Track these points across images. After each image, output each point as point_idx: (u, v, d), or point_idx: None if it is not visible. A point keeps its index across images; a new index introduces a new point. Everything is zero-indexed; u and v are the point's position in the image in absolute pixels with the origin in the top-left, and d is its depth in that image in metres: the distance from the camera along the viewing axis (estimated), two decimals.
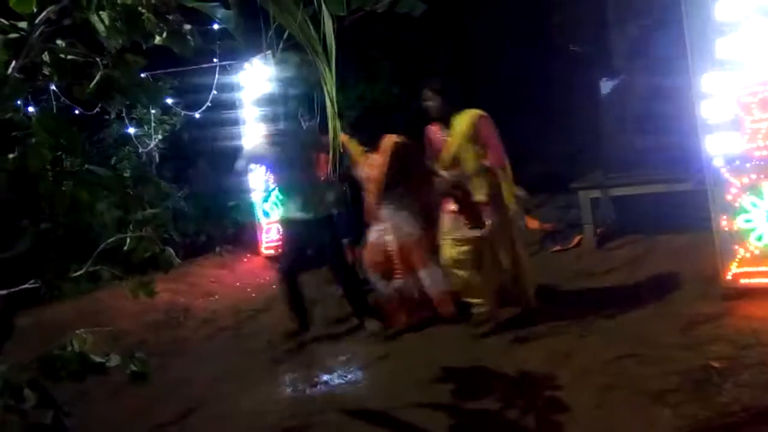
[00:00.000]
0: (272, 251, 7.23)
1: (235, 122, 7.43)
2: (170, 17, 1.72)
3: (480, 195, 3.89)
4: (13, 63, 1.54)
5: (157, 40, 1.71)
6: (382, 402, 3.38)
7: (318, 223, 4.44)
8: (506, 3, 7.98)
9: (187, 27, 1.78)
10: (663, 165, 5.27)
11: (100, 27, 1.59)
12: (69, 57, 1.64)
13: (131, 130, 7.22)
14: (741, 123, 3.55)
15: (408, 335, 4.28)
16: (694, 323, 3.50)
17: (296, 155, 4.45)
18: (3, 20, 1.58)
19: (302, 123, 6.33)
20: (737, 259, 3.68)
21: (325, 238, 4.50)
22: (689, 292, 3.96)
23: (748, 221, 3.62)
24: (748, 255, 3.64)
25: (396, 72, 8.37)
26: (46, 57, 1.63)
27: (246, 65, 6.92)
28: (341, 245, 4.67)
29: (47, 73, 1.64)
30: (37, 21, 1.57)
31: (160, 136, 7.22)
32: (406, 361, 3.90)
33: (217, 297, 6.46)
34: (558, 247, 5.75)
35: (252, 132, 6.90)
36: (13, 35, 1.56)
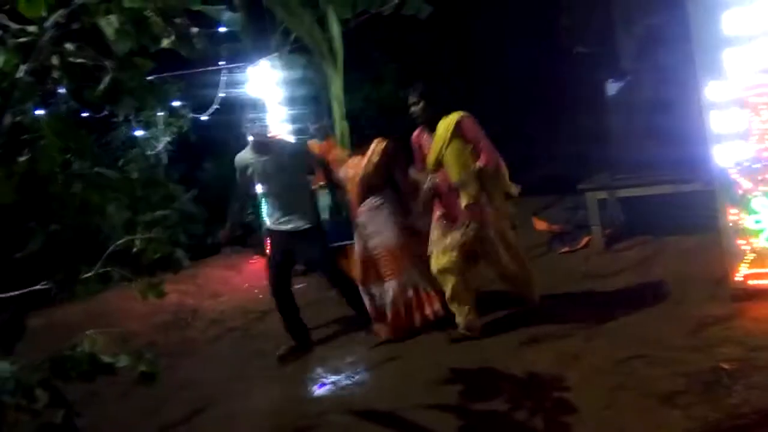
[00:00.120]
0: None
1: (242, 124, 7.44)
2: (177, 21, 1.73)
3: (467, 196, 3.83)
4: (24, 66, 1.56)
5: (165, 43, 1.72)
6: (389, 403, 3.39)
7: (307, 233, 4.34)
8: (512, 5, 7.98)
9: (194, 30, 1.79)
10: (671, 166, 5.25)
11: (109, 31, 1.60)
12: (78, 60, 1.66)
13: (139, 133, 7.28)
14: (749, 124, 3.53)
15: (415, 337, 4.27)
16: (704, 325, 3.48)
17: (283, 163, 4.33)
18: (13, 24, 1.60)
19: (310, 126, 6.35)
20: (746, 261, 3.65)
21: (315, 248, 4.40)
22: (698, 293, 3.93)
23: (757, 222, 3.60)
24: (757, 256, 3.62)
25: (402, 74, 8.39)
26: (55, 60, 1.64)
27: (253, 67, 6.95)
28: (332, 252, 4.59)
29: (57, 76, 1.66)
30: (46, 25, 1.58)
31: (167, 138, 7.26)
32: (413, 363, 3.90)
33: (224, 298, 6.49)
34: (566, 249, 5.74)
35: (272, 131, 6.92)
36: (23, 39, 1.58)
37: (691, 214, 4.67)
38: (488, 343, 3.92)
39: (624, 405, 2.85)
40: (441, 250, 3.94)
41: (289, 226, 4.35)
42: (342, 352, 4.34)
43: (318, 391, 3.85)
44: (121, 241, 1.82)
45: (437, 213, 4.02)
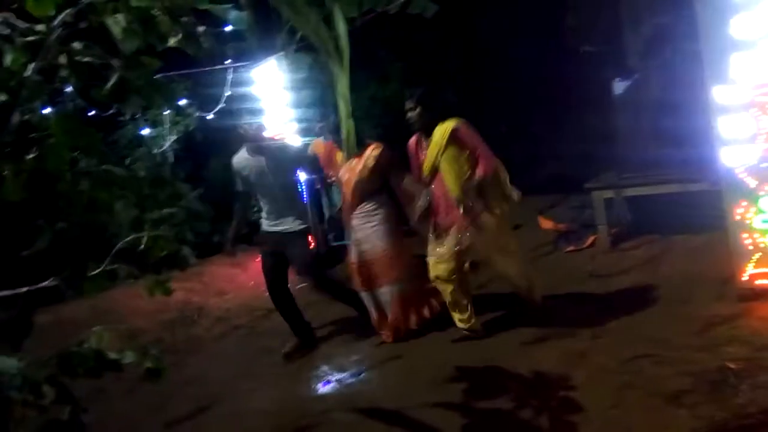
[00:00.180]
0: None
1: (252, 122, 7.45)
2: (184, 19, 1.74)
3: (463, 204, 3.80)
4: (32, 65, 1.57)
5: (172, 42, 1.73)
6: (394, 401, 3.39)
7: (297, 236, 4.37)
8: (518, 3, 7.96)
9: (201, 29, 1.80)
10: (677, 165, 5.23)
11: (116, 29, 1.61)
12: (85, 59, 1.67)
13: (146, 131, 7.30)
14: (756, 123, 3.51)
15: (420, 336, 4.27)
16: (710, 324, 3.47)
17: (277, 164, 4.34)
18: (22, 23, 1.61)
19: (316, 125, 6.35)
20: (753, 260, 3.64)
21: (296, 250, 4.38)
22: (705, 292, 3.92)
23: (764, 222, 3.58)
24: (763, 255, 3.60)
25: (408, 72, 8.38)
26: (63, 59, 1.65)
27: (258, 66, 6.96)
28: (312, 256, 4.53)
29: (64, 75, 1.67)
30: (54, 24, 1.59)
31: (174, 137, 7.28)
32: (418, 361, 3.90)
33: (230, 296, 6.51)
34: (572, 248, 5.72)
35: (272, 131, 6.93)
36: (31, 38, 1.59)
37: (698, 214, 4.65)
38: (493, 341, 3.92)
39: (630, 404, 2.84)
40: (437, 259, 3.94)
41: (281, 228, 4.37)
42: (347, 350, 4.35)
43: (323, 388, 3.86)
44: (128, 239, 1.83)
45: (433, 220, 4.01)
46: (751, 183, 3.57)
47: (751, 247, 3.63)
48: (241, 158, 4.44)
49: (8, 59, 1.58)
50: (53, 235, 1.69)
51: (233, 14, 1.93)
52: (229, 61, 6.30)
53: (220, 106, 6.87)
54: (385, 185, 4.38)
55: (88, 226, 1.75)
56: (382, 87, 8.30)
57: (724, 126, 3.58)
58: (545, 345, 3.69)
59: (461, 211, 3.79)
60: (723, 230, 3.75)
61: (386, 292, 4.26)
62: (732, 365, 2.94)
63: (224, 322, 5.71)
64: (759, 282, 3.64)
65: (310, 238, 4.51)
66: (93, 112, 6.23)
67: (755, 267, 3.64)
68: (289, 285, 4.57)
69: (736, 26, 3.45)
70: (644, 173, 5.56)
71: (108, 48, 1.68)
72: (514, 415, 3.00)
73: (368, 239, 4.27)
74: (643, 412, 2.76)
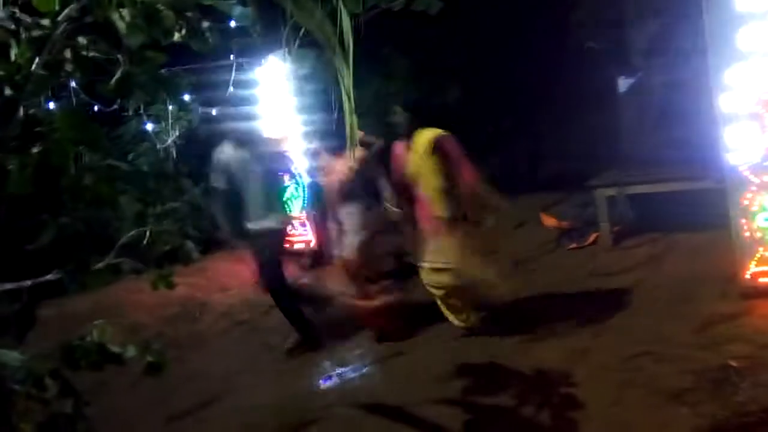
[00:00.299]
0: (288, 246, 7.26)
1: (251, 119, 7.46)
2: (189, 15, 1.74)
3: (441, 213, 3.83)
4: (37, 60, 1.58)
5: (176, 37, 1.73)
6: (396, 397, 3.40)
7: (268, 234, 4.31)
8: (523, 0, 7.93)
9: (205, 24, 1.80)
10: (681, 163, 5.22)
11: (121, 24, 1.61)
12: (90, 54, 1.67)
13: (149, 126, 7.30)
14: (761, 121, 3.50)
15: (422, 332, 4.28)
16: (712, 322, 3.47)
17: (258, 162, 4.33)
18: (27, 18, 1.62)
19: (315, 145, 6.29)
20: (756, 258, 3.63)
21: (265, 250, 4.33)
22: (707, 290, 3.91)
23: (767, 220, 3.58)
24: (767, 254, 3.59)
25: (412, 69, 8.36)
26: (68, 54, 1.66)
27: (263, 62, 6.95)
28: (278, 261, 4.46)
29: (69, 69, 1.67)
30: (59, 18, 1.60)
31: (177, 132, 7.28)
32: (419, 358, 3.91)
33: (233, 292, 6.51)
34: (574, 245, 5.71)
35: (268, 128, 6.93)
36: (36, 33, 1.59)
37: (701, 212, 4.64)
38: (495, 339, 3.93)
39: (631, 402, 2.85)
40: (427, 269, 3.94)
41: (258, 226, 4.32)
42: (349, 347, 4.36)
43: (324, 384, 3.88)
44: (131, 233, 1.83)
45: (418, 227, 4.02)
46: (755, 181, 3.57)
47: (753, 246, 3.63)
48: (225, 152, 4.41)
49: (14, 54, 1.58)
50: (57, 229, 1.70)
51: (238, 10, 1.93)
52: (233, 57, 6.31)
53: (223, 102, 6.88)
54: (369, 188, 4.37)
55: (91, 221, 1.76)
56: (386, 83, 8.28)
57: (729, 134, 3.58)
58: (546, 342, 3.69)
59: (442, 220, 3.81)
60: (725, 228, 3.75)
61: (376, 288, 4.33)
62: (734, 363, 2.94)
63: (227, 317, 5.71)
64: (761, 280, 3.63)
65: (283, 239, 4.49)
66: (97, 108, 6.25)
67: (757, 265, 3.64)
68: (288, 283, 4.56)
69: (743, 37, 3.44)
70: (647, 171, 5.55)
71: (113, 43, 1.68)
72: (515, 412, 3.01)
73: (339, 243, 4.33)
74: (644, 409, 2.77)
